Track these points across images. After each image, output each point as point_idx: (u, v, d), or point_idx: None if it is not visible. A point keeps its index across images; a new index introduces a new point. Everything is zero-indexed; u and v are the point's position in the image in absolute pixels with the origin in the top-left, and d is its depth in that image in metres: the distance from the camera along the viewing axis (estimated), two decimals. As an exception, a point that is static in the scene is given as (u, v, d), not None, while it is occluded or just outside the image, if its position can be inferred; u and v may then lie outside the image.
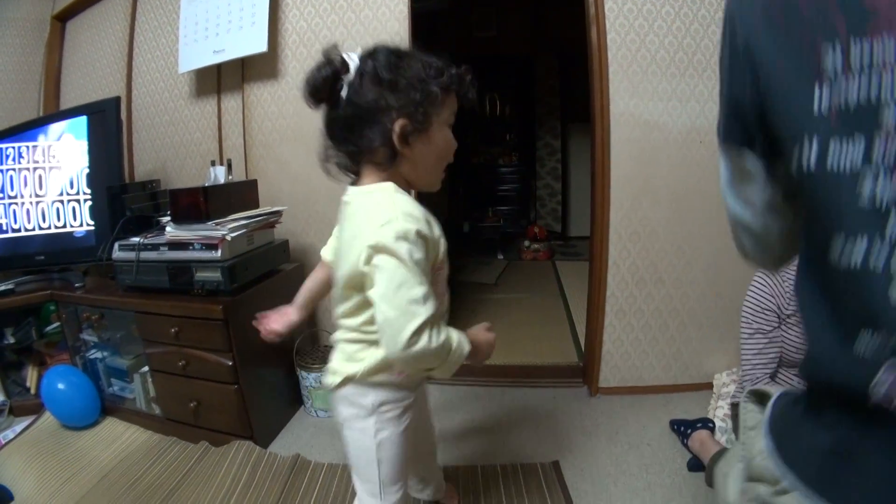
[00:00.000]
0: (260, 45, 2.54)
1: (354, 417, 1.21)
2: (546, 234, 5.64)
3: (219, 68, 2.76)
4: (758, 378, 1.73)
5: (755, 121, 0.60)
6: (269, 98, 2.70)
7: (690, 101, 2.28)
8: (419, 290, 0.96)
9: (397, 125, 1.00)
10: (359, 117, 1.02)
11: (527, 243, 5.34)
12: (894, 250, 0.48)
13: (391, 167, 1.05)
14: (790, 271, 1.72)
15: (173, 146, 2.95)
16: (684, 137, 2.31)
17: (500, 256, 5.32)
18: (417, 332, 0.95)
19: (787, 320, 1.72)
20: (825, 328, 0.58)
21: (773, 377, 1.76)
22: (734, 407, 1.94)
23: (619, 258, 2.43)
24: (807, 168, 0.53)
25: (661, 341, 2.47)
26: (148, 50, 2.97)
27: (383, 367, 1.13)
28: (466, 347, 1.06)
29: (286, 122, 2.69)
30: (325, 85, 1.01)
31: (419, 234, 0.98)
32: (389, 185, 1.06)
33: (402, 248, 0.96)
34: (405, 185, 1.09)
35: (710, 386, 2.35)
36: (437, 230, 1.05)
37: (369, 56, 1.02)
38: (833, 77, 0.50)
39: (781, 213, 0.67)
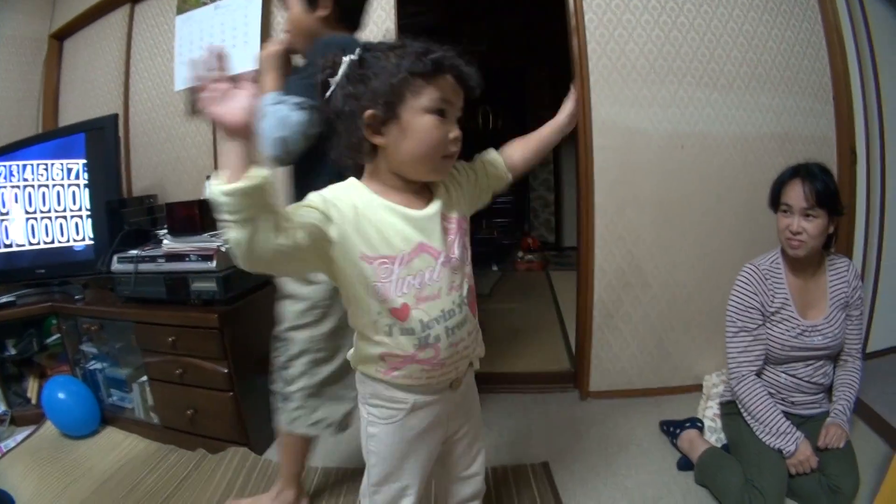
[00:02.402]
0: (252, 63, 2.58)
1: (358, 400, 1.23)
2: (540, 244, 5.68)
3: (214, 85, 2.80)
4: (743, 376, 1.77)
5: None
6: (262, 113, 2.74)
7: (671, 107, 2.34)
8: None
9: (365, 115, 0.98)
10: (337, 117, 1.02)
11: (521, 254, 5.39)
12: None
13: (372, 162, 1.06)
14: (775, 269, 1.75)
15: (170, 162, 3.00)
16: (666, 142, 2.36)
17: (495, 268, 5.35)
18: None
19: (772, 317, 1.76)
20: None
21: (759, 374, 1.79)
22: (723, 406, 1.99)
23: (605, 263, 2.47)
24: None
25: (649, 344, 2.50)
26: (144, 69, 3.04)
27: (365, 357, 1.13)
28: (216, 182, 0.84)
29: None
30: (320, 90, 1.04)
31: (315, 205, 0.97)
32: (350, 180, 1.07)
33: None
34: (394, 178, 1.06)
35: (699, 388, 2.36)
36: (343, 214, 0.98)
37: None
38: None
39: None
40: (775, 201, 1.74)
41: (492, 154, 1.30)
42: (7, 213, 2.75)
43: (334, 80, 1.02)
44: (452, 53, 1.00)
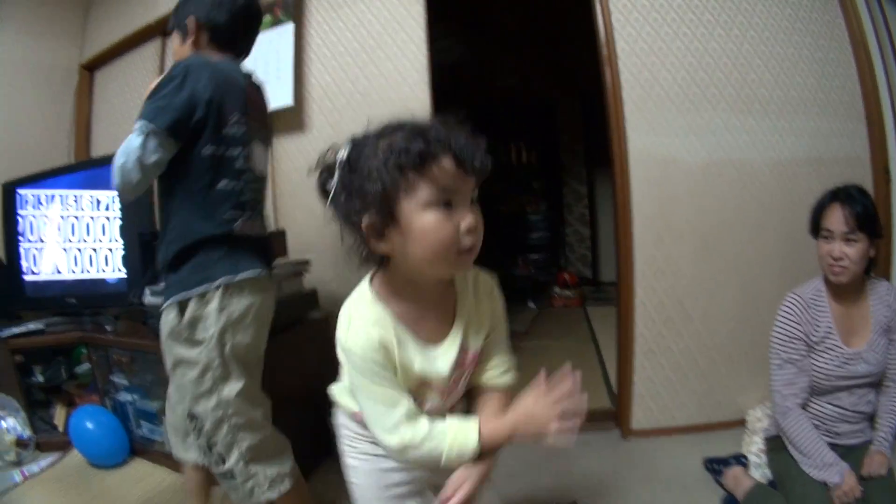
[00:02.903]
0: (286, 99, 2.78)
1: (337, 428, 1.24)
2: (577, 280, 5.77)
3: (247, 121, 2.98)
4: (788, 409, 1.79)
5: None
6: (296, 150, 2.94)
7: (707, 135, 2.44)
8: (368, 407, 1.04)
9: (363, 224, 0.95)
10: (340, 221, 1.01)
11: (557, 290, 5.48)
12: None
13: (386, 270, 1.05)
14: (818, 297, 1.81)
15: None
16: (703, 171, 2.46)
17: (532, 305, 5.46)
18: (390, 431, 1.01)
19: (816, 347, 1.79)
20: None
21: (804, 407, 1.82)
22: (768, 441, 2.01)
23: (646, 297, 2.54)
24: None
25: (692, 379, 2.55)
26: None
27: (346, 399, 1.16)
28: (470, 446, 1.00)
29: (313, 176, 2.85)
30: (321, 190, 1.04)
31: (365, 359, 1.00)
32: (363, 287, 1.08)
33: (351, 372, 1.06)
34: (410, 289, 1.04)
35: (744, 422, 2.40)
36: (387, 356, 1.01)
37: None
38: None
39: None
40: (815, 227, 1.79)
41: (502, 367, 1.19)
42: (36, 241, 2.94)
43: (331, 186, 0.99)
44: (446, 130, 0.93)
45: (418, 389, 1.05)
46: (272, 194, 2.97)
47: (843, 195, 1.72)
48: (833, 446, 1.75)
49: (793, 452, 1.79)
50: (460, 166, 0.92)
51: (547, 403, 0.97)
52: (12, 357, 2.74)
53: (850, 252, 1.67)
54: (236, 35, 1.77)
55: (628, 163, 2.48)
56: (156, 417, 2.60)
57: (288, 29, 2.80)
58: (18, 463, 2.60)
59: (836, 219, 1.70)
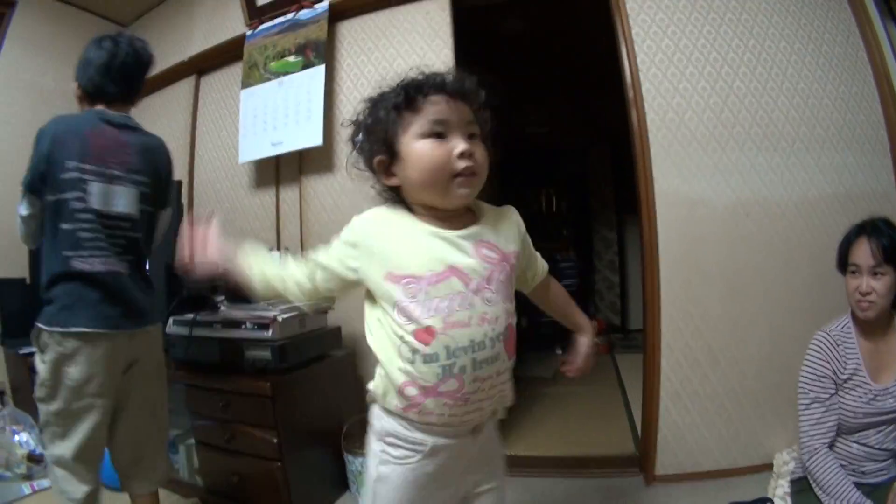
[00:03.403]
0: (315, 139, 2.83)
1: (370, 435, 1.22)
2: (605, 327, 5.71)
3: (277, 160, 3.09)
4: (816, 449, 1.75)
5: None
6: (325, 190, 2.99)
7: (734, 175, 2.43)
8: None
9: (375, 163, 1.13)
10: (364, 166, 1.17)
11: (585, 338, 5.38)
12: None
13: (400, 199, 1.17)
14: (846, 334, 1.77)
15: (232, 234, 3.19)
16: (730, 212, 2.44)
17: (559, 351, 5.35)
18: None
19: (844, 385, 1.76)
20: None
21: (831, 447, 1.77)
22: (794, 483, 1.96)
23: (672, 340, 2.50)
24: None
25: (718, 424, 2.48)
26: (210, 140, 3.37)
27: (385, 388, 1.14)
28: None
29: (342, 215, 2.90)
30: (352, 144, 1.20)
31: (350, 226, 1.14)
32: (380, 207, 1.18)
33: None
34: (426, 210, 1.13)
35: (770, 466, 2.33)
36: (379, 230, 1.12)
37: None
38: None
39: None
40: (843, 263, 1.78)
41: (539, 264, 1.34)
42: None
43: (357, 139, 1.16)
44: (432, 73, 1.10)
45: (447, 280, 1.06)
46: (300, 233, 3.01)
47: (870, 228, 1.71)
48: (858, 485, 1.70)
49: (818, 493, 1.74)
50: (447, 94, 1.06)
51: None
52: (30, 374, 2.76)
53: (877, 286, 1.66)
54: (104, 87, 1.91)
55: (655, 205, 2.48)
56: (173, 445, 2.62)
57: (319, 70, 2.87)
58: (29, 477, 2.62)
59: (863, 252, 1.69)
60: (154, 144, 2.01)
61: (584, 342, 1.41)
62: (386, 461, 1.15)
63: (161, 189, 2.00)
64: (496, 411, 1.22)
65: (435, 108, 1.06)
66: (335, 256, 1.13)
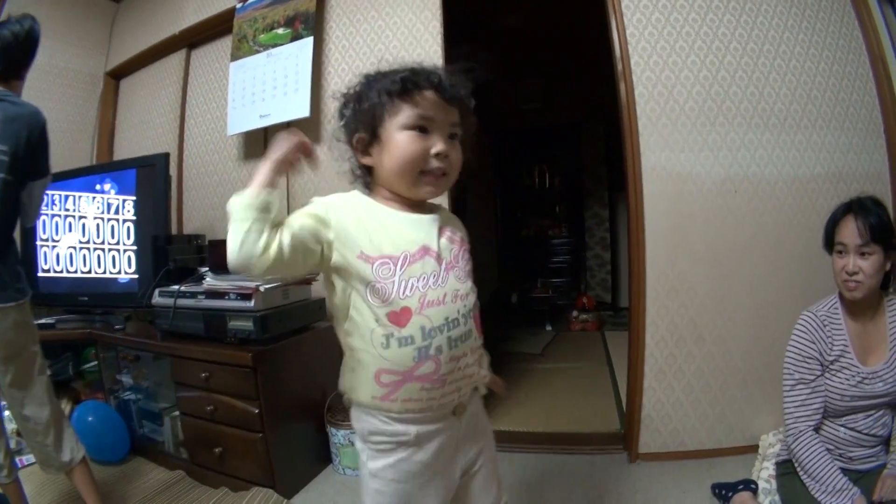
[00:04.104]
0: (303, 111, 2.81)
1: (356, 437, 1.21)
2: (595, 304, 5.72)
3: (266, 132, 3.05)
4: (801, 431, 1.73)
5: None
6: (312, 161, 2.91)
7: (722, 150, 2.39)
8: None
9: (354, 140, 1.15)
10: (345, 139, 1.18)
11: (575, 314, 5.42)
12: None
13: (370, 182, 1.19)
14: (833, 314, 1.74)
15: (221, 206, 3.15)
16: (718, 188, 2.40)
17: (549, 328, 5.42)
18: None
19: (831, 367, 1.73)
20: None
21: (816, 430, 1.75)
22: (779, 466, 1.94)
23: (658, 317, 2.47)
24: None
25: (703, 403, 2.46)
26: (199, 113, 3.35)
27: (359, 381, 1.12)
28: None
29: (326, 186, 2.89)
30: (340, 116, 1.20)
31: (311, 206, 1.10)
32: (353, 191, 1.17)
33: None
34: (390, 193, 1.15)
35: (756, 448, 2.31)
36: (341, 216, 1.08)
37: None
38: None
39: None
40: (829, 242, 1.75)
41: None
42: (47, 240, 3.04)
43: (346, 112, 1.18)
44: (432, 71, 1.10)
45: (421, 259, 1.09)
46: (287, 206, 2.98)
47: (857, 206, 1.67)
48: (845, 471, 1.68)
49: (803, 477, 1.72)
50: (440, 95, 1.08)
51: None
52: None
53: (864, 265, 1.62)
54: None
55: (641, 179, 2.43)
56: (159, 418, 2.64)
57: (307, 42, 2.83)
58: (18, 451, 2.59)
59: (850, 231, 1.65)
60: (21, 113, 1.89)
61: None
62: (374, 457, 1.15)
63: (28, 158, 1.89)
64: (476, 388, 1.25)
65: (425, 102, 1.08)
66: (308, 226, 1.06)
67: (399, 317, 1.05)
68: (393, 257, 1.07)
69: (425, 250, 1.10)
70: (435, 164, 1.09)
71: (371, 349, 1.07)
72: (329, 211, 1.08)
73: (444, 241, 1.13)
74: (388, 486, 1.14)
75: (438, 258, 1.10)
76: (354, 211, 1.10)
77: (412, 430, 1.10)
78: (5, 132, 1.83)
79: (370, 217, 1.10)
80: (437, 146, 1.09)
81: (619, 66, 2.44)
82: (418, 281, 1.07)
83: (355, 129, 1.14)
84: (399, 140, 1.08)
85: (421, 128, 1.08)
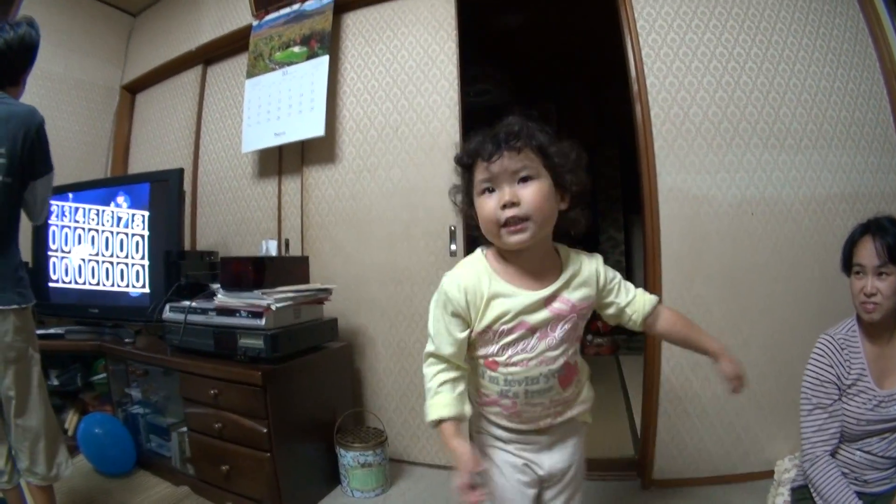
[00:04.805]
0: (318, 130, 2.81)
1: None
2: (609, 328, 5.59)
3: (280, 151, 3.09)
4: (817, 457, 1.69)
5: None
6: (327, 181, 2.96)
7: (739, 172, 2.36)
8: (431, 327, 1.29)
9: (464, 215, 1.33)
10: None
11: (589, 338, 5.34)
12: None
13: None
14: (851, 337, 1.70)
15: (234, 223, 3.23)
16: (735, 210, 2.37)
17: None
18: (426, 356, 1.30)
19: (848, 391, 1.69)
20: None
21: (833, 454, 1.71)
22: (794, 492, 1.89)
23: (674, 340, 2.41)
24: None
25: (718, 428, 2.41)
26: (214, 129, 3.37)
27: (471, 391, 1.35)
28: (432, 414, 1.24)
29: (342, 206, 2.92)
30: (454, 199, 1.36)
31: (446, 295, 1.25)
32: (476, 253, 1.31)
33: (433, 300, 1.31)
34: (510, 255, 1.26)
35: (771, 474, 2.26)
36: (472, 301, 1.23)
37: None
38: None
39: None
40: (847, 264, 1.71)
41: (638, 301, 1.37)
42: (57, 251, 3.07)
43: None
44: (482, 139, 1.21)
45: (516, 332, 1.22)
46: (300, 224, 2.98)
47: (875, 227, 1.64)
48: (860, 494, 1.63)
49: (819, 503, 1.67)
50: (496, 152, 1.16)
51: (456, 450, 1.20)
52: None
53: (882, 287, 1.59)
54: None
55: (658, 201, 2.41)
56: (166, 432, 2.63)
57: (323, 61, 2.85)
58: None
59: (868, 252, 1.62)
60: (15, 112, 1.88)
61: (723, 368, 1.45)
62: (483, 444, 1.40)
63: (27, 158, 1.88)
64: (571, 419, 1.39)
65: (482, 165, 1.18)
66: (445, 334, 1.26)
67: (490, 363, 1.27)
68: (492, 329, 1.23)
69: (522, 325, 1.22)
70: (505, 215, 1.16)
71: (476, 374, 1.33)
72: (453, 304, 1.24)
73: (546, 313, 1.22)
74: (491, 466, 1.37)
75: (534, 329, 1.22)
76: (473, 292, 1.23)
77: (499, 432, 1.37)
78: (0, 134, 1.83)
79: (480, 296, 1.23)
80: (505, 197, 1.16)
81: (635, 87, 2.43)
82: (507, 348, 1.24)
83: (461, 205, 1.30)
84: (478, 206, 1.22)
85: (489, 189, 1.19)
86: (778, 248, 2.35)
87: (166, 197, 2.79)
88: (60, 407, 2.93)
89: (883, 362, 1.68)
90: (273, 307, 2.25)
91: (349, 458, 2.43)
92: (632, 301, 1.36)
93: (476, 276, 1.25)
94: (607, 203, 6.32)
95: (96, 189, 3.03)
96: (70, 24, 3.59)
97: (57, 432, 2.01)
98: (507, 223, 1.16)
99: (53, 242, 3.08)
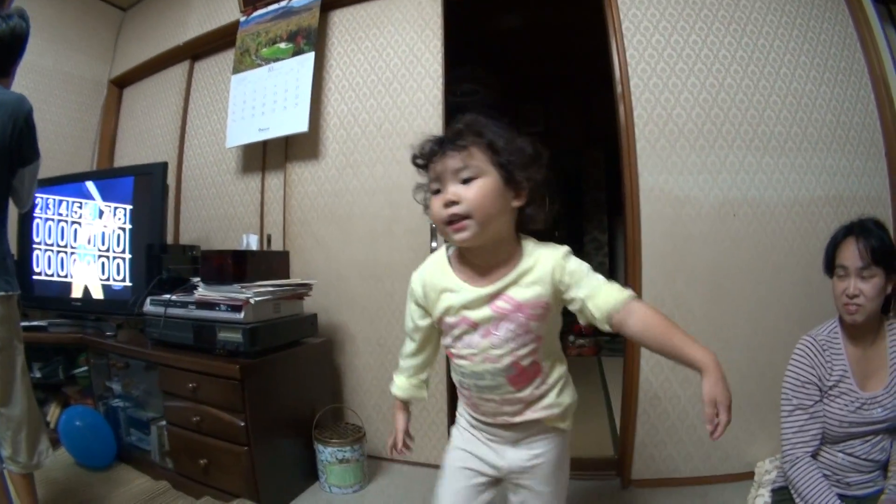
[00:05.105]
0: (301, 126, 2.81)
1: None
2: (592, 329, 5.58)
3: (264, 146, 3.08)
4: (798, 458, 1.69)
5: None
6: (310, 177, 2.96)
7: (721, 173, 2.37)
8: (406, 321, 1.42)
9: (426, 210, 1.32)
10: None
11: (572, 339, 5.33)
12: None
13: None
14: (833, 339, 1.70)
15: (217, 218, 3.22)
16: (717, 211, 2.37)
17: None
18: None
19: (829, 392, 1.70)
20: None
21: (814, 456, 1.71)
22: (775, 493, 1.89)
23: (654, 340, 2.41)
24: None
25: (699, 428, 2.40)
26: (200, 125, 3.36)
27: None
28: (392, 388, 1.49)
29: (324, 202, 2.92)
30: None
31: (411, 286, 1.35)
32: (442, 248, 1.34)
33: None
34: (465, 251, 1.28)
35: (751, 475, 2.25)
36: (427, 293, 1.30)
37: None
38: None
39: None
40: (830, 265, 1.72)
41: (601, 295, 1.20)
42: (39, 243, 3.06)
43: None
44: (425, 141, 1.23)
45: (459, 326, 1.25)
46: (283, 219, 2.97)
47: (859, 228, 1.65)
48: (843, 497, 1.63)
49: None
50: (442, 153, 1.17)
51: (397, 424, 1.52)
52: None
53: (865, 288, 1.59)
54: None
55: (639, 201, 2.41)
56: (146, 426, 2.61)
57: (309, 57, 2.84)
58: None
59: (851, 253, 1.62)
60: (5, 101, 1.85)
61: (704, 388, 1.13)
62: (457, 424, 1.48)
63: (15, 146, 1.86)
64: (536, 421, 1.33)
65: (432, 166, 1.21)
66: (410, 320, 1.39)
67: (450, 353, 1.33)
68: (445, 321, 1.28)
69: (464, 320, 1.24)
70: (446, 213, 1.17)
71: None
72: (425, 298, 1.32)
73: (487, 310, 1.21)
74: (455, 440, 1.47)
75: (475, 325, 1.23)
76: (430, 286, 1.29)
77: (466, 413, 1.44)
78: None
79: (434, 289, 1.28)
80: (446, 196, 1.17)
81: (619, 89, 2.43)
82: (458, 340, 1.27)
83: (427, 209, 1.29)
84: (430, 206, 1.23)
85: (437, 190, 1.20)
86: (761, 250, 2.36)
87: (150, 190, 2.77)
88: (43, 400, 2.91)
89: (865, 364, 1.69)
90: (252, 301, 2.24)
91: (327, 453, 2.42)
92: (593, 294, 1.19)
93: (434, 270, 1.30)
94: (592, 204, 6.36)
95: (80, 182, 3.01)
96: (60, 18, 3.58)
97: (39, 421, 1.99)
98: (451, 221, 1.16)
99: (37, 235, 3.06)
